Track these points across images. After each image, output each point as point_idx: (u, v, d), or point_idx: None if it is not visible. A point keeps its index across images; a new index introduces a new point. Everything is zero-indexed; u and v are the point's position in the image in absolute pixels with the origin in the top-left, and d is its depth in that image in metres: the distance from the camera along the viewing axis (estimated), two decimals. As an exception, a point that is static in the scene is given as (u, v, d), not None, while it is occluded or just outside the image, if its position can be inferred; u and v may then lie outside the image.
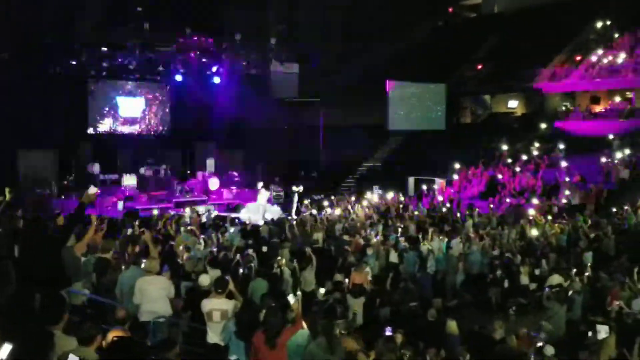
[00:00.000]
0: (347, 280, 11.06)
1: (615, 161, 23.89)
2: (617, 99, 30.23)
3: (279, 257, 11.60)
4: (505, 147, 28.41)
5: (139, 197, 22.92)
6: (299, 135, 28.84)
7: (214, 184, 24.92)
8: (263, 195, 22.53)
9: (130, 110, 25.71)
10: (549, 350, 7.32)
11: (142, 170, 24.22)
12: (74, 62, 23.20)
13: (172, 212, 19.69)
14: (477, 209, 21.16)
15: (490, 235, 16.02)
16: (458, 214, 20.79)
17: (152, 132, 26.39)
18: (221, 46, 25.85)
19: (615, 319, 9.59)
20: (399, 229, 16.93)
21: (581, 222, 18.04)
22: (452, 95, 33.32)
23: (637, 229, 16.67)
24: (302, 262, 11.67)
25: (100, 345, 4.80)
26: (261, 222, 18.33)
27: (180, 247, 12.25)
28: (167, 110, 26.54)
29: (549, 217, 19.20)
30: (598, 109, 30.22)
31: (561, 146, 26.89)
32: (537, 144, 27.78)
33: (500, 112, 34.37)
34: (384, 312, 10.26)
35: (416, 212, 20.84)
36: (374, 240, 14.86)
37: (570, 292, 10.97)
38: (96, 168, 23.28)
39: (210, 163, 26.21)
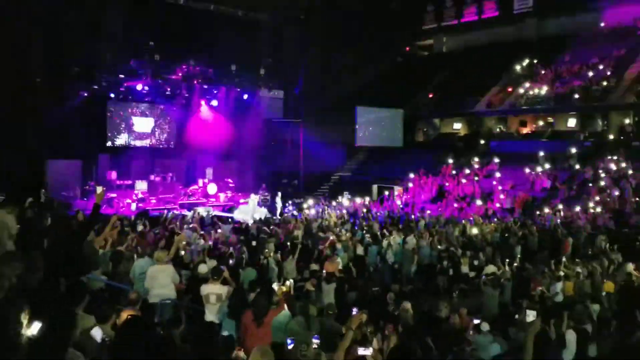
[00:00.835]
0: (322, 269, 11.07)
1: (539, 173, 24.16)
2: (541, 122, 30.62)
3: (266, 250, 11.57)
4: (451, 161, 28.59)
5: (149, 200, 22.73)
6: (283, 150, 28.79)
7: (212, 189, 24.79)
8: (253, 198, 22.46)
9: (143, 127, 25.48)
10: (485, 326, 7.38)
11: (152, 177, 24.08)
12: (95, 87, 23.01)
13: (177, 213, 19.57)
14: (428, 211, 21.29)
15: (438, 233, 16.11)
16: (412, 216, 20.88)
17: (161, 145, 26.17)
18: (219, 75, 25.78)
19: (539, 301, 9.70)
20: (365, 228, 16.96)
21: (511, 223, 18.23)
22: (409, 118, 33.46)
23: (555, 229, 16.86)
24: (283, 254, 11.65)
25: (115, 322, 4.75)
26: (251, 221, 18.27)
27: (183, 242, 12.15)
28: (173, 127, 26.34)
29: (486, 218, 19.37)
30: (525, 130, 30.54)
31: (496, 160, 27.13)
32: (476, 159, 27.98)
33: (447, 132, 34.58)
34: (351, 295, 10.25)
35: (379, 214, 20.90)
36: (344, 236, 14.88)
37: (502, 279, 11.07)
38: (113, 175, 23.13)
39: (209, 171, 26.10)
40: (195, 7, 25.43)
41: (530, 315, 4.50)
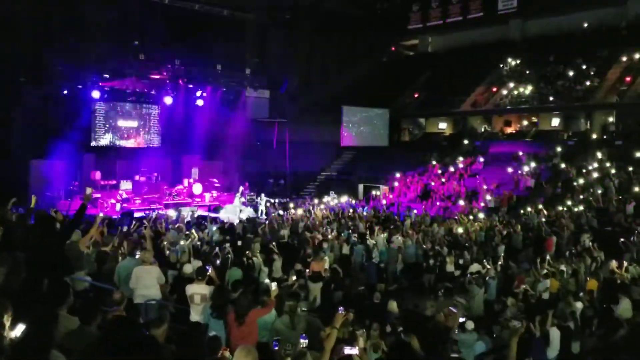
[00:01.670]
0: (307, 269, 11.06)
1: (523, 172, 24.37)
2: (525, 122, 30.88)
3: (254, 250, 11.54)
4: (434, 162, 28.75)
5: (134, 200, 22.57)
6: (269, 149, 28.73)
7: (197, 189, 24.67)
8: (238, 198, 22.39)
9: (127, 126, 25.28)
10: (469, 324, 7.43)
11: (136, 177, 23.91)
12: (80, 86, 22.78)
13: (162, 213, 19.46)
14: (414, 210, 21.37)
15: (424, 232, 16.19)
16: (398, 215, 20.95)
17: (145, 145, 25.98)
18: (205, 75, 25.65)
19: (522, 299, 9.79)
20: (350, 227, 16.98)
21: (496, 221, 18.37)
22: (394, 118, 33.59)
23: (539, 227, 17.01)
24: (270, 254, 11.61)
25: (100, 322, 4.71)
26: (237, 221, 18.20)
27: (166, 242, 12.10)
28: (158, 127, 26.16)
29: (471, 217, 19.48)
30: (510, 130, 30.78)
31: (481, 159, 27.32)
32: (461, 158, 28.16)
33: (432, 132, 34.74)
34: (337, 295, 10.26)
35: (364, 213, 20.93)
36: (330, 236, 14.89)
37: (487, 278, 11.16)
38: (98, 175, 22.93)
39: (194, 171, 25.97)
40: (180, 6, 25.27)
41: (516, 324, 4.54)
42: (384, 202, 24.86)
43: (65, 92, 22.34)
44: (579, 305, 9.01)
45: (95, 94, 23.27)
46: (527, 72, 30.60)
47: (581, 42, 29.31)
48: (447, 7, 36.70)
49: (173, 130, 25.98)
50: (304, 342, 4.76)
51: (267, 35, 29.33)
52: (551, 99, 27.80)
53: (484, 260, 12.70)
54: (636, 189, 20.06)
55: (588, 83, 27.21)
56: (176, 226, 14.71)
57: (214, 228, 15.57)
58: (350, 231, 15.98)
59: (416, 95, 34.82)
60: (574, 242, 15.82)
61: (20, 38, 19.99)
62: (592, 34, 29.51)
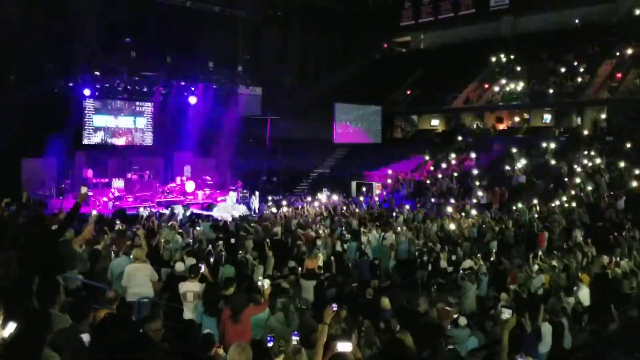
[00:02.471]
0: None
1: (515, 169, 24.45)
2: (517, 118, 31.00)
3: (247, 247, 11.53)
4: (428, 157, 28.82)
5: (126, 198, 22.49)
6: (262, 147, 28.67)
7: (190, 186, 24.60)
8: (231, 196, 22.33)
9: (119, 124, 25.16)
10: (462, 321, 7.46)
11: (129, 175, 23.82)
12: (71, 84, 22.64)
13: (154, 211, 19.40)
14: (406, 207, 21.39)
15: (417, 228, 16.22)
16: (391, 212, 20.96)
17: (138, 143, 25.87)
18: (197, 72, 25.55)
19: (514, 297, 9.81)
20: (343, 224, 16.99)
21: (488, 218, 18.44)
22: (387, 115, 33.63)
23: (531, 223, 17.08)
24: (263, 252, 11.60)
25: (92, 321, 4.69)
26: (230, 219, 18.16)
27: (162, 240, 12.06)
28: (150, 124, 26.05)
29: (463, 214, 19.54)
30: (502, 126, 30.89)
31: (473, 156, 27.39)
32: (453, 155, 28.23)
33: (424, 129, 34.82)
34: (330, 292, 10.28)
35: (357, 210, 20.93)
36: (323, 233, 14.89)
37: (479, 274, 11.20)
38: (89, 173, 22.82)
39: (187, 169, 25.89)
40: (171, 3, 25.16)
41: (506, 313, 4.55)
42: (376, 199, 24.88)
43: (56, 89, 22.20)
44: (570, 300, 9.07)
45: (87, 92, 23.15)
46: (519, 68, 30.70)
47: (572, 38, 29.47)
48: (439, 3, 36.81)
49: (165, 128, 25.87)
50: (296, 339, 4.77)
51: (259, 32, 29.27)
52: (543, 95, 27.91)
53: (478, 255, 12.75)
54: (627, 184, 20.19)
55: (579, 79, 27.35)
56: (169, 224, 14.66)
57: (207, 226, 15.53)
58: (343, 228, 15.99)
59: (409, 92, 34.89)
60: (566, 237, 15.91)
61: (10, 36, 19.85)
62: (583, 31, 29.66)
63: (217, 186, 26.08)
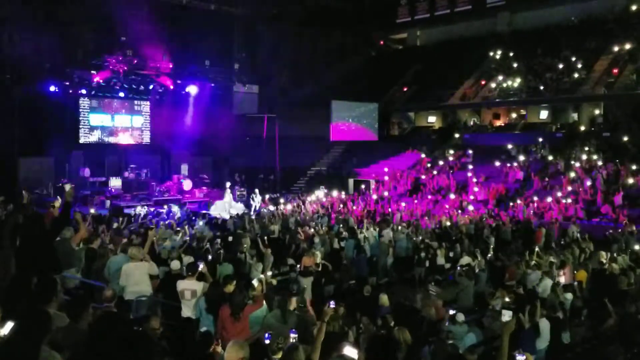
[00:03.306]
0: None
1: (513, 165, 24.49)
2: (514, 115, 31.01)
3: (245, 246, 11.52)
4: (425, 154, 28.82)
5: (124, 196, 22.46)
6: (259, 145, 28.65)
7: (187, 185, 24.58)
8: (228, 194, 22.34)
9: (116, 123, 25.12)
10: (460, 317, 7.47)
11: (126, 174, 23.79)
12: (67, 83, 22.59)
13: (152, 209, 19.39)
14: (403, 204, 21.42)
15: (414, 225, 16.24)
16: (389, 209, 20.99)
17: (134, 142, 25.83)
18: (193, 70, 25.51)
19: (512, 292, 9.82)
20: (341, 221, 17.00)
21: (485, 214, 18.47)
22: (383, 112, 33.60)
23: (528, 219, 17.13)
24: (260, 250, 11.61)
25: (89, 320, 4.68)
26: (227, 217, 18.17)
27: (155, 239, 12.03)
28: (147, 123, 26.01)
29: (460, 210, 19.57)
30: (498, 123, 30.90)
31: (470, 152, 27.41)
32: (451, 152, 28.24)
33: (421, 125, 34.81)
34: (328, 289, 10.30)
35: (354, 207, 20.95)
36: (321, 230, 14.89)
37: (476, 270, 11.22)
38: (87, 172, 22.80)
39: (184, 167, 25.87)
40: (167, 1, 25.09)
41: (506, 315, 4.51)
42: (374, 196, 24.89)
43: (52, 89, 22.15)
44: (568, 296, 9.09)
45: (83, 91, 23.10)
46: (516, 64, 30.70)
47: (569, 34, 29.44)
48: (435, 0, 36.73)
49: (162, 127, 25.83)
50: (293, 336, 4.78)
51: (255, 29, 29.18)
52: (539, 91, 27.94)
53: (476, 251, 12.76)
54: (624, 180, 20.24)
55: (576, 75, 27.36)
56: (167, 222, 14.67)
57: (205, 224, 15.54)
58: (340, 225, 16.01)
59: (405, 89, 34.85)
60: (563, 233, 15.95)
61: (6, 35, 19.78)
62: (580, 26, 29.65)
63: (214, 184, 26.07)
